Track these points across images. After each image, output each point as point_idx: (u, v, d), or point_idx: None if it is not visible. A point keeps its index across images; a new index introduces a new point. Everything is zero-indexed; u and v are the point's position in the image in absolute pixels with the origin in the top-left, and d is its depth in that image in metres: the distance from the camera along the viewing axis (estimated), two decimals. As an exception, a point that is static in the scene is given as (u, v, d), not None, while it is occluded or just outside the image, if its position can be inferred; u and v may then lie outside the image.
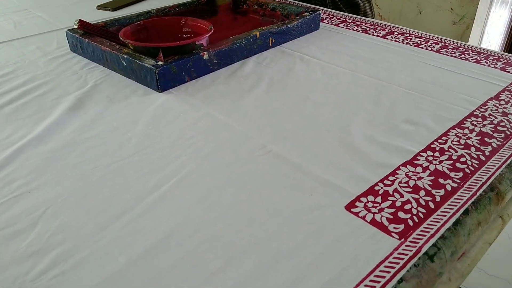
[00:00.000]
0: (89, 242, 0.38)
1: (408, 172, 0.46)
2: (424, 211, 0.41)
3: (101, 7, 1.09)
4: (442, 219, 0.40)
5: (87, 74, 0.72)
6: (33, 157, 0.50)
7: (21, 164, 0.49)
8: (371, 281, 0.34)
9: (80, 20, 0.76)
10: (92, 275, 0.35)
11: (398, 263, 0.35)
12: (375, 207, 0.41)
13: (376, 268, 0.35)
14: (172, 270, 0.35)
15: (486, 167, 0.47)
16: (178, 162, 0.49)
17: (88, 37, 0.76)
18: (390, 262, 0.35)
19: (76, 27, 0.77)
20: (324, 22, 0.97)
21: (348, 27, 0.93)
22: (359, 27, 0.93)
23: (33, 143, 0.53)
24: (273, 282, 0.34)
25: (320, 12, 0.91)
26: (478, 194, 0.43)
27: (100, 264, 0.36)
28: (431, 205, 0.42)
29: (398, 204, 0.42)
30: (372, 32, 0.89)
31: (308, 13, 0.89)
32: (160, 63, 0.65)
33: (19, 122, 0.58)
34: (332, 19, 0.99)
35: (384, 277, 0.34)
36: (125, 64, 0.69)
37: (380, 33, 0.89)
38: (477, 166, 0.47)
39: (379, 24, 0.94)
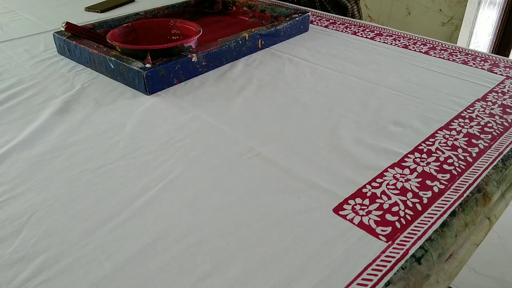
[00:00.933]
0: (75, 248, 0.38)
1: (396, 174, 0.47)
2: (412, 213, 0.41)
3: (89, 8, 1.08)
4: (429, 221, 0.40)
5: (74, 77, 0.71)
6: (19, 162, 0.50)
7: (6, 169, 0.48)
8: (358, 284, 0.34)
9: (67, 22, 0.75)
10: (78, 282, 0.34)
11: (385, 266, 0.35)
12: (363, 209, 0.41)
13: (364, 271, 0.35)
14: (158, 275, 0.35)
15: (473, 169, 0.47)
16: (166, 165, 0.48)
17: (75, 40, 0.75)
18: (377, 265, 0.35)
19: (63, 29, 0.76)
20: (314, 24, 0.97)
21: (337, 29, 0.93)
22: (348, 28, 0.93)
23: (19, 148, 0.52)
24: (261, 286, 0.34)
25: (310, 14, 0.92)
26: (465, 195, 0.43)
27: (86, 271, 0.35)
28: (419, 207, 0.42)
29: (385, 206, 0.42)
30: (361, 34, 0.90)
31: (297, 15, 0.89)
32: (148, 65, 0.64)
33: (5, 126, 0.57)
34: (321, 21, 0.99)
35: (371, 280, 0.34)
36: (112, 66, 0.68)
37: (369, 34, 0.89)
38: (464, 168, 0.48)
39: (368, 26, 0.94)
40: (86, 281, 0.34)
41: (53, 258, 0.37)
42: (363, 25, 0.95)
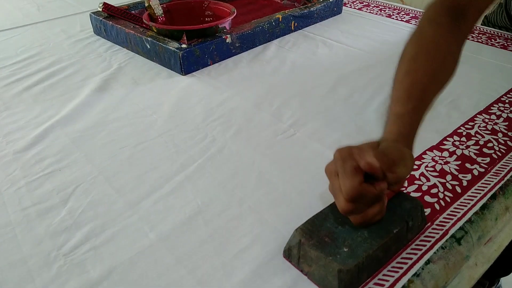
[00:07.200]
0: (119, 219, 0.39)
1: (435, 156, 0.46)
2: (451, 195, 0.41)
3: (122, -10, 1.09)
4: (469, 203, 0.40)
5: (111, 57, 0.73)
6: (62, 136, 0.51)
7: (50, 143, 0.50)
8: (398, 262, 0.34)
9: (104, 2, 0.77)
10: (124, 250, 0.36)
11: (425, 245, 0.35)
12: (402, 190, 0.41)
13: (403, 250, 0.35)
14: (201, 246, 0.36)
15: (514, 153, 0.47)
16: (204, 143, 0.49)
17: (112, 20, 0.76)
18: (416, 245, 0.35)
19: (100, 9, 0.77)
20: (347, 6, 0.95)
21: (371, 11, 0.92)
22: (382, 11, 0.92)
23: (62, 123, 0.54)
24: (301, 261, 0.34)
25: (343, -4, 0.90)
26: (505, 179, 0.43)
27: (131, 240, 0.37)
28: (458, 189, 0.41)
29: (424, 188, 0.42)
30: (396, 17, 0.88)
31: (330, -3, 0.88)
32: (184, 46, 0.65)
33: (47, 102, 0.59)
34: (355, 3, 0.98)
35: (411, 258, 0.34)
36: (149, 47, 0.69)
37: (404, 17, 0.87)
38: (504, 152, 0.47)
39: (402, 9, 0.92)
40: (132, 249, 0.36)
41: (99, 227, 0.38)
42: (398, 7, 0.93)
